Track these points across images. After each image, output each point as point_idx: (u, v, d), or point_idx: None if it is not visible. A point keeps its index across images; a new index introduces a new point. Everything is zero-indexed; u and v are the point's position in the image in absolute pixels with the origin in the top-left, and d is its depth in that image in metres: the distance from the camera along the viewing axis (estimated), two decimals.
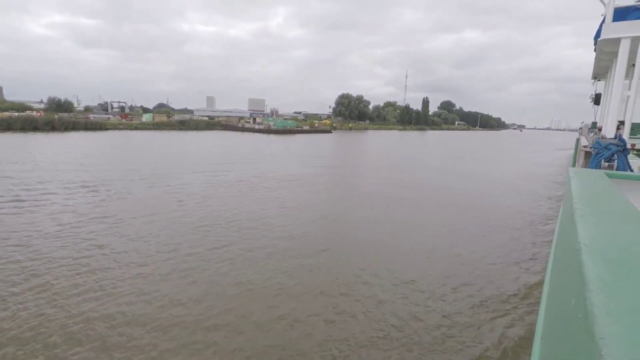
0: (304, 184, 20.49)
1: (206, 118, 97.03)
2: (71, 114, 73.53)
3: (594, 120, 21.85)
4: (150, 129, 72.49)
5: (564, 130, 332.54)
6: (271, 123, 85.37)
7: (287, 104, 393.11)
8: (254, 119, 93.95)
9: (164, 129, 75.03)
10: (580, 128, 34.02)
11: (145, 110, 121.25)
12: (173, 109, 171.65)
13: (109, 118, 76.22)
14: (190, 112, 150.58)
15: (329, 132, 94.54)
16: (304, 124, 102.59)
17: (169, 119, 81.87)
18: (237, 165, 27.17)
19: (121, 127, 69.03)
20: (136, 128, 70.65)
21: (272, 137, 71.99)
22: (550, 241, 9.71)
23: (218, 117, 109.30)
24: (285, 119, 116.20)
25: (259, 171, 24.56)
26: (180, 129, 77.28)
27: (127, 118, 78.21)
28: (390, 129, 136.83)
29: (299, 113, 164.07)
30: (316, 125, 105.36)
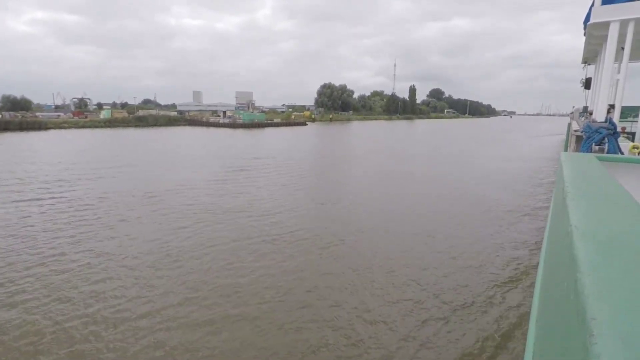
0: (169, 211, 12.63)
1: (174, 113, 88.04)
2: (17, 113, 64.59)
3: (585, 105, 21.07)
4: (101, 126, 63.60)
5: (553, 115, 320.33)
6: (238, 116, 76.47)
7: (276, 97, 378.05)
8: (224, 113, 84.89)
9: (117, 126, 66.16)
10: (572, 113, 32.80)
11: (123, 106, 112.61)
12: (159, 105, 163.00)
13: (58, 116, 67.38)
14: (174, 107, 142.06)
15: (303, 124, 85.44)
16: (277, 117, 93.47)
17: (129, 115, 72.95)
18: (112, 172, 18.84)
19: (66, 125, 60.22)
20: (83, 126, 61.82)
21: (238, 131, 63.38)
22: (545, 225, 9.02)
23: (189, 112, 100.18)
24: (262, 111, 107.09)
25: (138, 182, 16.95)
26: (137, 126, 68.44)
27: (81, 116, 69.32)
28: (376, 119, 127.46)
29: (285, 105, 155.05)
30: (292, 117, 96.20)
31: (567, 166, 2.87)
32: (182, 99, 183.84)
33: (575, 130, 12.76)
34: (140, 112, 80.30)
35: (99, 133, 54.15)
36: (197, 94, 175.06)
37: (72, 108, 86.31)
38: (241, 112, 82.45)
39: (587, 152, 7.57)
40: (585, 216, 1.45)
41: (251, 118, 74.39)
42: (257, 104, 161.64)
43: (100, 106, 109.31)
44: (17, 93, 78.80)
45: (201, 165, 23.55)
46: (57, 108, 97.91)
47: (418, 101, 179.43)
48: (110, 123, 65.78)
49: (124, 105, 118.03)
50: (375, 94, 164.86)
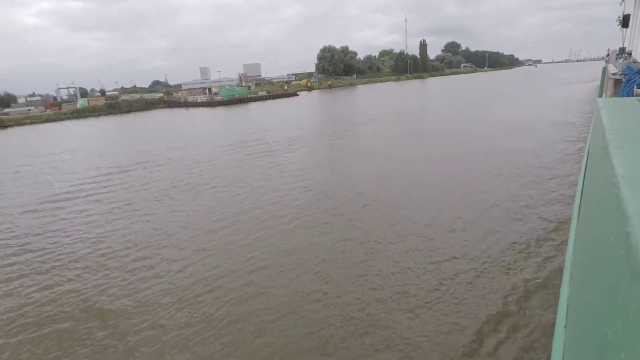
0: None
1: (162, 94, 79.51)
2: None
3: (621, 46, 18.56)
4: (67, 119, 56.43)
5: (584, 60, 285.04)
6: (217, 93, 67.02)
7: (285, 66, 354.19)
8: (209, 90, 75.54)
9: (88, 116, 58.81)
10: (607, 55, 28.15)
11: (130, 90, 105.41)
12: (169, 85, 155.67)
13: (29, 110, 60.62)
14: (179, 86, 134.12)
15: (294, 95, 74.80)
16: (271, 88, 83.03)
17: (106, 102, 65.30)
18: None
19: (27, 121, 53.37)
20: (47, 120, 54.79)
21: (215, 111, 54.58)
22: (577, 178, 8.18)
23: (176, 92, 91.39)
24: (256, 83, 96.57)
25: None
26: (110, 114, 60.81)
27: (54, 108, 62.26)
28: (383, 81, 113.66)
29: (289, 75, 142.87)
30: (285, 87, 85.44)
31: (606, 112, 2.46)
32: (191, 76, 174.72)
33: (613, 74, 12.15)
34: (123, 97, 72.56)
35: (51, 127, 46.82)
36: (204, 71, 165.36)
37: (59, 99, 79.68)
38: (226, 87, 72.55)
39: (628, 96, 6.70)
40: (632, 165, 1.25)
41: (230, 94, 64.70)
42: (265, 74, 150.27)
43: (103, 93, 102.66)
44: (31, 86, 73.02)
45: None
46: (58, 102, 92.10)
47: (432, 57, 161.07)
48: (78, 114, 58.40)
49: (106, 91, 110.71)
50: (384, 53, 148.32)
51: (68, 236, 10.06)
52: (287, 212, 10.63)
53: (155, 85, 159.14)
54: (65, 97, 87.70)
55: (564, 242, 7.66)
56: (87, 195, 13.65)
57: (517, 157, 14.40)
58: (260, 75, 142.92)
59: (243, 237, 9.27)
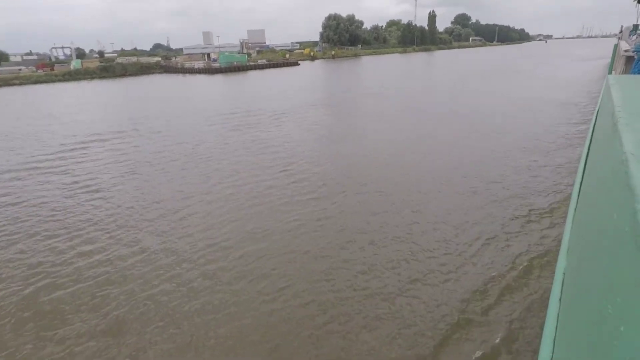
0: None
1: (159, 59, 76.77)
2: None
3: (636, 23, 18.46)
4: (58, 80, 54.55)
5: (595, 37, 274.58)
6: (215, 59, 64.56)
7: (291, 35, 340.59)
8: (208, 56, 72.87)
9: (80, 79, 56.87)
10: (620, 32, 28.53)
11: (129, 53, 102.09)
12: (171, 49, 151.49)
13: (19, 70, 58.55)
14: (180, 51, 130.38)
15: (295, 64, 72.15)
16: (272, 56, 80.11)
17: (100, 65, 63.04)
18: None
19: (17, 82, 51.62)
20: (37, 81, 53.00)
21: (214, 78, 52.76)
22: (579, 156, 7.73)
23: (173, 54, 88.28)
24: (258, 51, 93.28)
25: None
26: (103, 77, 58.83)
27: (46, 68, 60.07)
28: (389, 53, 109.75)
29: (293, 43, 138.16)
30: (287, 56, 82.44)
31: (616, 89, 2.40)
32: (194, 41, 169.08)
33: (626, 51, 12.72)
34: (119, 60, 70.08)
35: (40, 89, 45.23)
36: (206, 36, 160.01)
37: (53, 59, 77.14)
38: (226, 53, 69.79)
39: None
40: None
41: (229, 61, 62.23)
42: (271, 42, 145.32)
43: (101, 55, 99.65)
44: (30, 45, 70.32)
45: None
46: (41, 61, 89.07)
47: (440, 29, 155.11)
48: (70, 76, 56.41)
49: (105, 53, 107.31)
50: (392, 23, 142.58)
51: (19, 211, 9.24)
52: (258, 194, 9.75)
53: (157, 48, 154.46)
54: (61, 57, 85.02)
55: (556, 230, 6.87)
56: (52, 167, 12.75)
57: (520, 141, 13.34)
58: (265, 43, 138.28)
59: (204, 222, 8.42)
